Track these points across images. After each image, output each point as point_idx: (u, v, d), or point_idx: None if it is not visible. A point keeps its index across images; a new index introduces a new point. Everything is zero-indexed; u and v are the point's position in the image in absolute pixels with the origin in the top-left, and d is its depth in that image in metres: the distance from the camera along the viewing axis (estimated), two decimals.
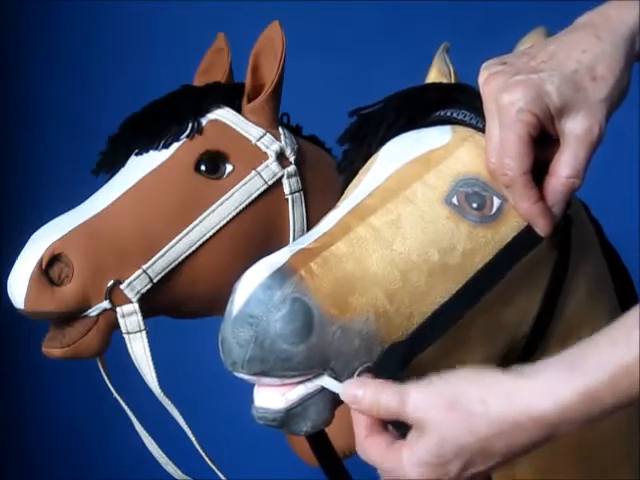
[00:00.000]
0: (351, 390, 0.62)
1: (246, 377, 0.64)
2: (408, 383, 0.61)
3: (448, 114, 0.76)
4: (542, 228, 0.69)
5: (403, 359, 0.66)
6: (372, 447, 0.62)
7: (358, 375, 0.64)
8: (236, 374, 0.64)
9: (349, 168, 0.80)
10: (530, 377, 0.58)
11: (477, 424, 0.58)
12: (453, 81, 0.86)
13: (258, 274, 0.63)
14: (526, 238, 0.70)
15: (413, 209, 0.69)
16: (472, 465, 0.60)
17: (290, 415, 0.64)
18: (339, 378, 0.63)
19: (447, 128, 0.75)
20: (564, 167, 0.67)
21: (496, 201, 0.70)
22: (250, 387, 0.67)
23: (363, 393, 0.62)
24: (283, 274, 0.63)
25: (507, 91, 0.66)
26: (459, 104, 0.76)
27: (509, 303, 0.71)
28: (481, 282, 0.68)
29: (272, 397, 0.64)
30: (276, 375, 0.63)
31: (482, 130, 0.74)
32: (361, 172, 0.77)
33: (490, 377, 0.60)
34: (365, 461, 0.63)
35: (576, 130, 0.66)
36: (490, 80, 0.68)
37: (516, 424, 0.57)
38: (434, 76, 0.89)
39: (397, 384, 0.62)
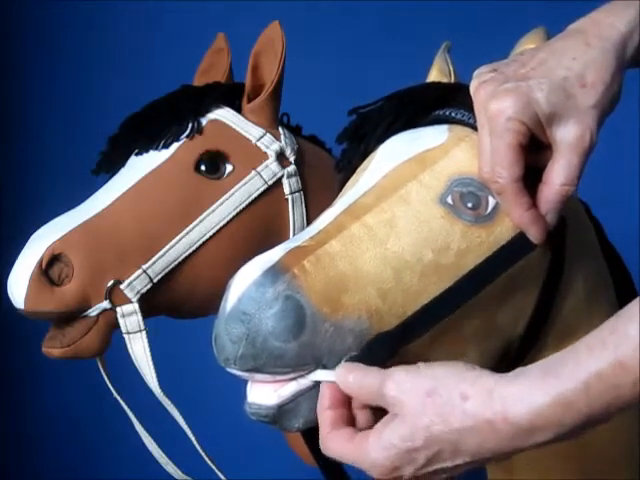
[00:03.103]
0: (343, 374, 0.63)
1: (239, 373, 0.64)
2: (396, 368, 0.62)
3: (447, 113, 0.76)
4: (534, 235, 0.68)
5: (390, 348, 0.66)
6: (334, 440, 0.63)
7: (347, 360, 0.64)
8: (229, 370, 0.65)
9: (347, 167, 0.80)
10: (510, 381, 0.58)
11: (452, 414, 0.58)
12: (453, 80, 0.86)
13: (251, 272, 0.63)
14: (520, 243, 0.70)
15: (408, 208, 0.69)
16: (439, 459, 0.60)
17: (282, 411, 0.64)
18: None
19: (444, 127, 0.75)
20: (557, 176, 0.67)
21: (491, 201, 0.70)
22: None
23: (353, 377, 0.62)
24: (276, 272, 0.63)
25: (495, 100, 0.66)
26: (457, 103, 0.76)
27: (504, 303, 0.71)
28: (474, 281, 0.68)
29: (265, 393, 0.64)
30: (268, 372, 0.63)
31: (476, 128, 0.74)
32: (358, 171, 0.77)
33: (475, 374, 0.60)
34: (329, 456, 0.64)
35: (568, 138, 0.66)
36: (480, 89, 0.68)
37: (490, 424, 0.58)
38: (435, 75, 0.89)
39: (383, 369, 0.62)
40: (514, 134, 0.65)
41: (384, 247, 0.67)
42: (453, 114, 0.76)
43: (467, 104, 0.74)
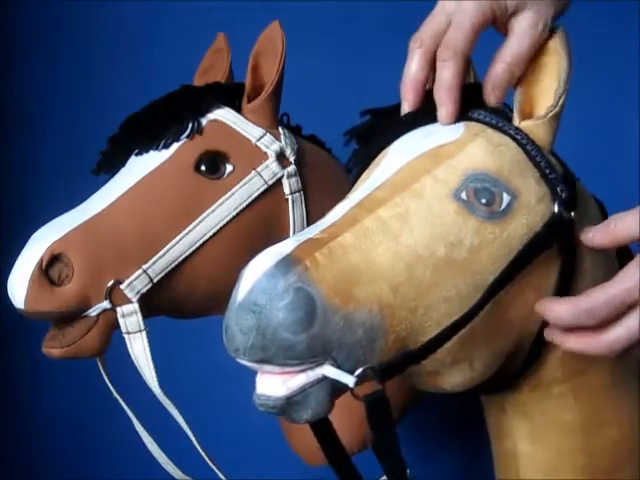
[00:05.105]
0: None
1: (248, 364, 0.64)
2: None
3: (463, 114, 0.76)
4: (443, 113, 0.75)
5: (409, 364, 0.67)
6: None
7: (359, 374, 0.64)
8: (239, 360, 0.65)
9: (360, 162, 0.80)
10: None
11: None
12: (471, 77, 0.86)
13: (263, 263, 0.63)
14: (536, 241, 0.70)
15: (421, 203, 0.69)
16: None
17: (290, 403, 0.64)
18: (341, 368, 0.64)
19: (459, 124, 0.75)
20: (508, 52, 0.74)
21: (505, 197, 0.70)
22: (250, 387, 0.67)
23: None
24: (288, 263, 0.63)
25: None
26: (475, 104, 0.76)
27: (516, 300, 0.71)
28: (492, 288, 0.69)
29: (273, 385, 0.64)
30: (278, 363, 0.63)
31: (495, 127, 0.74)
32: (372, 165, 0.77)
33: None
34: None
35: (523, 24, 0.75)
36: None
37: None
38: None
39: None
40: (481, 15, 0.74)
41: (397, 241, 0.67)
42: (470, 114, 0.76)
43: (484, 105, 0.74)
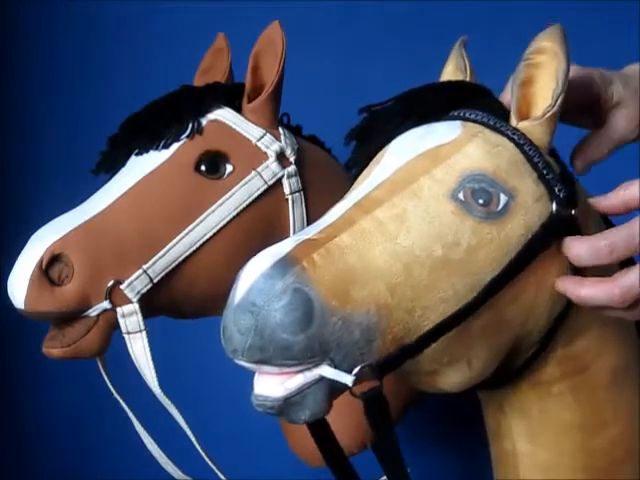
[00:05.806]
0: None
1: (246, 365, 0.64)
2: None
3: (460, 114, 0.76)
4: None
5: (405, 360, 0.67)
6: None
7: (357, 373, 0.64)
8: (236, 361, 0.65)
9: (359, 161, 0.80)
10: None
11: None
12: (469, 76, 0.86)
13: (261, 263, 0.63)
14: (534, 242, 0.70)
15: (419, 203, 0.69)
16: None
17: (288, 404, 0.64)
18: (338, 368, 0.64)
19: (457, 123, 0.75)
20: (623, 121, 0.75)
21: (502, 198, 0.70)
22: (250, 387, 0.67)
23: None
24: (285, 264, 0.63)
25: None
26: (472, 105, 0.76)
27: (514, 300, 0.71)
28: (490, 288, 0.69)
29: (271, 385, 0.64)
30: (276, 364, 0.63)
31: (492, 127, 0.74)
32: (370, 165, 0.77)
33: None
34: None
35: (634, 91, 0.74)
36: None
37: None
38: (450, 70, 0.87)
39: None
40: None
41: (394, 242, 0.67)
42: (467, 114, 0.76)
43: (482, 106, 0.74)
